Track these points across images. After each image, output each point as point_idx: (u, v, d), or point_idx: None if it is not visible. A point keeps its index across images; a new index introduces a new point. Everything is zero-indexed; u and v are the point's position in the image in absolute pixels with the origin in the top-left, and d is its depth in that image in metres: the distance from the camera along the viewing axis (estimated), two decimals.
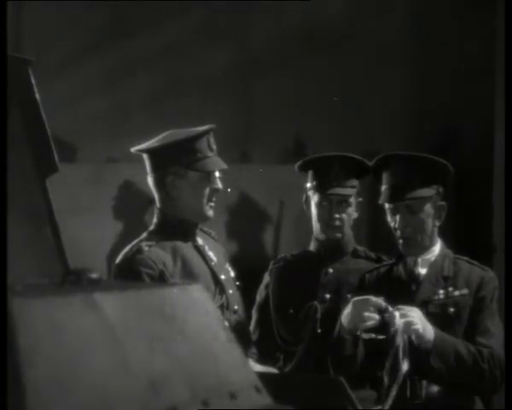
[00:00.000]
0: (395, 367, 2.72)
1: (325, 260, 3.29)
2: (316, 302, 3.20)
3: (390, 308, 2.75)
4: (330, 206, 3.22)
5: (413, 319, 2.74)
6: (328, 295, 3.22)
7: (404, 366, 2.70)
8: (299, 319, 3.21)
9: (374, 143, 4.29)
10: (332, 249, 3.29)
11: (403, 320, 2.73)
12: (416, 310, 2.79)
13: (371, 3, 4.97)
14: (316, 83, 4.91)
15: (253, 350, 3.06)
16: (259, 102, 5.01)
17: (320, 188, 3.23)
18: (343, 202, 3.23)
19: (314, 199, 3.25)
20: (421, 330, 2.75)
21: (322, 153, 3.32)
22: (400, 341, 2.72)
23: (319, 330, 3.15)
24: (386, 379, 2.74)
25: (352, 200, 3.25)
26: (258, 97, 5.01)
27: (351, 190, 3.24)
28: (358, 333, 2.83)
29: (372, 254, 3.35)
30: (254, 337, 3.27)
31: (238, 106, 4.98)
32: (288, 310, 3.25)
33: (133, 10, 4.83)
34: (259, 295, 3.38)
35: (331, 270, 3.28)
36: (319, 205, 3.24)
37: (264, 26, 5.01)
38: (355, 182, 3.26)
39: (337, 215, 3.22)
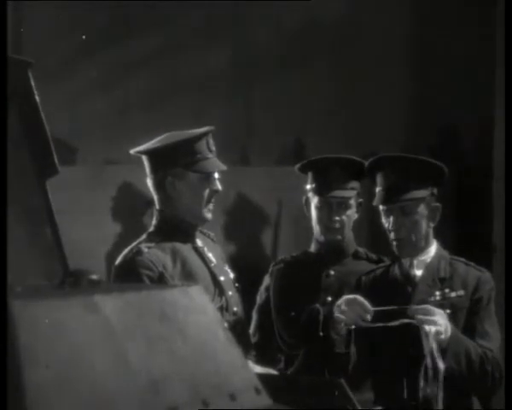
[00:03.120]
0: (435, 368, 2.72)
1: (326, 261, 3.28)
2: (318, 305, 3.19)
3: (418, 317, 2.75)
4: (330, 208, 3.21)
5: (440, 327, 2.75)
6: (329, 298, 3.21)
7: (441, 365, 2.70)
8: (301, 321, 3.20)
9: (374, 144, 4.29)
10: (332, 251, 3.27)
11: (433, 328, 2.72)
12: (442, 314, 2.78)
13: (371, 4, 4.97)
14: (316, 84, 4.91)
15: (253, 352, 3.06)
16: (259, 103, 5.01)
17: (319, 190, 3.21)
18: (343, 204, 3.21)
19: (314, 201, 3.24)
20: (444, 340, 2.76)
21: (322, 155, 3.31)
22: (433, 342, 2.72)
23: (321, 333, 3.14)
24: (422, 383, 2.74)
25: (352, 201, 3.23)
26: (258, 98, 5.01)
27: (351, 192, 3.22)
28: (348, 328, 2.85)
29: (373, 256, 3.34)
30: (254, 339, 3.26)
31: (238, 107, 4.98)
32: (290, 313, 3.24)
33: (133, 10, 4.83)
34: (260, 297, 3.37)
35: (332, 272, 3.26)
36: (319, 207, 3.22)
37: (264, 27, 5.01)
38: (355, 184, 3.24)
39: (337, 218, 3.21)
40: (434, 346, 2.71)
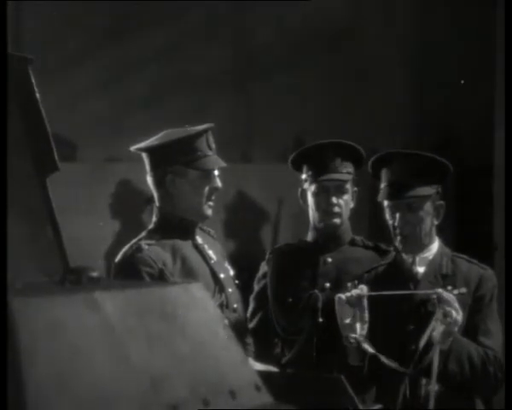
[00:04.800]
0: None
1: (323, 249, 3.28)
2: (316, 291, 3.20)
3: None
4: (327, 193, 3.21)
5: (458, 317, 2.75)
6: (327, 284, 3.22)
7: (437, 353, 2.69)
8: (299, 308, 3.21)
9: (374, 143, 4.29)
10: (330, 238, 3.28)
11: (454, 312, 2.72)
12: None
13: (371, 4, 4.97)
14: (316, 83, 4.91)
15: (253, 349, 3.07)
16: (259, 101, 5.01)
17: (316, 176, 3.21)
18: (340, 187, 3.21)
19: (311, 189, 3.24)
20: (451, 331, 2.76)
21: (315, 142, 3.32)
22: (440, 327, 2.72)
23: (320, 319, 3.16)
24: (424, 381, 2.75)
25: (348, 186, 3.24)
26: (258, 97, 5.01)
27: (347, 175, 3.23)
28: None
29: (369, 243, 3.35)
30: (251, 325, 3.28)
31: (238, 105, 4.98)
32: (287, 299, 3.25)
33: (133, 10, 4.83)
34: (257, 284, 3.38)
35: (330, 259, 3.27)
36: (316, 193, 3.23)
37: (264, 26, 5.01)
38: (350, 168, 3.24)
39: (335, 201, 3.21)
40: (440, 329, 2.71)
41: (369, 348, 2.80)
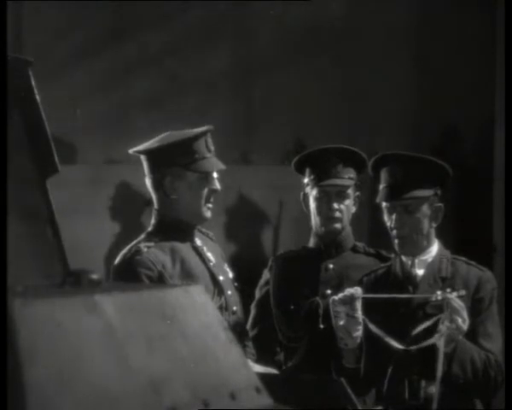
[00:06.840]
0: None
1: (325, 255, 3.29)
2: (317, 298, 3.21)
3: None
4: (328, 197, 3.22)
5: (464, 326, 2.74)
6: (329, 291, 3.22)
7: (441, 359, 2.69)
8: (301, 315, 3.22)
9: (374, 143, 4.29)
10: (331, 244, 3.28)
11: (459, 319, 2.72)
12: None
13: (372, 4, 4.97)
14: (316, 83, 4.91)
15: (252, 351, 3.07)
16: (259, 102, 5.01)
17: (318, 180, 3.22)
18: (341, 192, 3.23)
19: (312, 194, 3.25)
20: (455, 339, 2.76)
21: (318, 146, 3.32)
22: (446, 331, 2.72)
23: (322, 326, 3.16)
24: (424, 383, 2.75)
25: (349, 191, 3.25)
26: (258, 98, 5.01)
27: (348, 181, 3.24)
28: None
29: (371, 250, 3.35)
30: (253, 333, 3.28)
31: (238, 106, 4.98)
32: (289, 306, 3.26)
33: (133, 10, 4.83)
34: (259, 291, 3.39)
35: (331, 265, 3.28)
36: (318, 198, 3.23)
37: (264, 27, 5.01)
38: (352, 173, 3.25)
39: (336, 206, 3.22)
40: (445, 333, 2.71)
41: (360, 316, 2.81)
